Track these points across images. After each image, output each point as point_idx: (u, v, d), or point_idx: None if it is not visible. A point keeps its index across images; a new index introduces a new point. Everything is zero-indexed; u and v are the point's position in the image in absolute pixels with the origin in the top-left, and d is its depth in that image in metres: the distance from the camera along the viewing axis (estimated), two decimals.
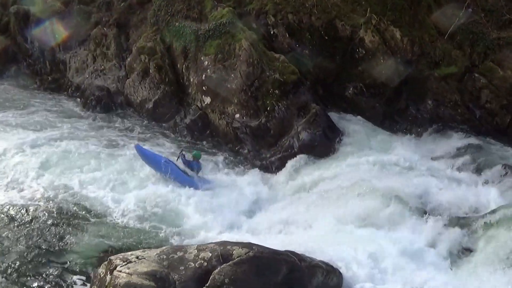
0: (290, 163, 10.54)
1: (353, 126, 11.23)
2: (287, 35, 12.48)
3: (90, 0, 16.99)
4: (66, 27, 17.12)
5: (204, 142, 12.12)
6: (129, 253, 6.29)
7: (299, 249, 6.92)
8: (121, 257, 6.12)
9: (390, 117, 11.86)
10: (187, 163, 10.15)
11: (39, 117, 14.11)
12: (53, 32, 17.54)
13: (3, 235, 8.18)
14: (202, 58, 12.55)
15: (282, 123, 11.13)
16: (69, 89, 16.66)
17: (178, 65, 13.44)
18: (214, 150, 11.79)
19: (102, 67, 15.66)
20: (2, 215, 8.76)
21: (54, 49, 17.62)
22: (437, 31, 11.65)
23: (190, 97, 13.02)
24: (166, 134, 12.93)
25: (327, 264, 6.79)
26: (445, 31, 11.43)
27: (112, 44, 15.43)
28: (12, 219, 8.67)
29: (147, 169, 10.39)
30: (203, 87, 12.43)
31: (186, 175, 10.06)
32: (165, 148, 11.93)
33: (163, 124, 13.39)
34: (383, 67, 11.70)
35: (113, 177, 10.11)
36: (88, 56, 16.23)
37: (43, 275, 7.20)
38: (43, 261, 7.53)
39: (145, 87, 13.94)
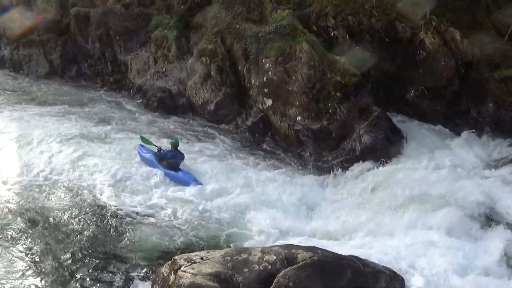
0: (352, 167, 11.78)
1: (415, 129, 12.49)
2: (347, 37, 14.09)
3: (150, 3, 19.94)
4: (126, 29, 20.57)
5: (265, 144, 13.96)
6: (193, 253, 7.07)
7: (361, 254, 7.63)
8: (185, 257, 6.85)
9: (451, 120, 12.98)
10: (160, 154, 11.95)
11: (101, 115, 16.87)
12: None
13: (66, 232, 9.48)
14: (263, 60, 14.21)
15: (343, 125, 12.50)
16: (131, 90, 19.31)
17: (239, 67, 15.34)
18: (275, 153, 13.53)
19: (163, 69, 18.01)
20: (65, 211, 10.24)
21: (115, 50, 20.56)
22: (496, 32, 12.62)
23: (251, 99, 14.83)
24: (227, 136, 14.87)
25: (390, 270, 7.37)
26: (504, 32, 12.33)
27: (173, 46, 17.71)
28: (74, 215, 10.10)
29: (210, 168, 12.27)
30: (264, 89, 14.12)
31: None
32: (226, 150, 13.77)
33: (225, 126, 15.45)
34: (444, 69, 12.86)
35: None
36: (149, 58, 18.70)
37: (105, 273, 8.28)
38: (105, 259, 8.68)
39: (206, 89, 16.07)
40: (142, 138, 13.34)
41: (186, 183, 11.41)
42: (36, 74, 23.92)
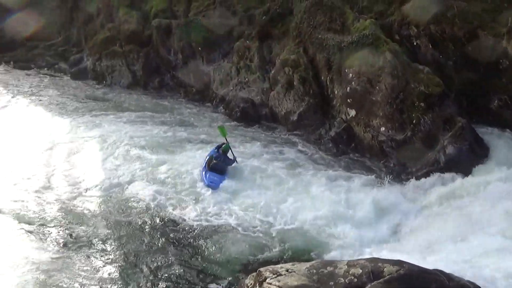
0: (436, 178, 12.62)
1: (499, 139, 13.27)
2: (430, 46, 15.17)
3: (231, 14, 22.47)
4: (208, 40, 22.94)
5: (348, 155, 15.24)
6: (279, 265, 7.55)
7: (446, 268, 7.92)
8: (270, 269, 7.31)
9: None
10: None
11: (182, 123, 19.18)
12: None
13: (146, 243, 10.70)
14: (346, 70, 15.58)
15: (427, 136, 13.59)
16: (213, 101, 21.54)
17: (322, 77, 16.84)
18: (358, 163, 14.76)
19: (246, 79, 20.07)
20: (141, 220, 11.54)
21: (197, 61, 22.91)
22: None
23: (334, 109, 16.25)
24: (310, 146, 16.35)
25: (475, 285, 7.54)
26: None
27: (255, 57, 19.67)
28: (152, 225, 11.41)
29: (293, 181, 13.63)
30: (348, 100, 15.52)
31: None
32: (308, 161, 15.22)
33: (308, 137, 16.93)
34: None
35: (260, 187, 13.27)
36: (232, 68, 20.82)
37: (188, 285, 9.27)
38: (187, 270, 9.68)
39: (289, 99, 17.79)
40: (220, 128, 15.41)
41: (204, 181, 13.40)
42: (119, 85, 26.96)
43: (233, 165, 14.34)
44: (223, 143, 14.70)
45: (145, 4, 27.26)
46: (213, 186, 13.26)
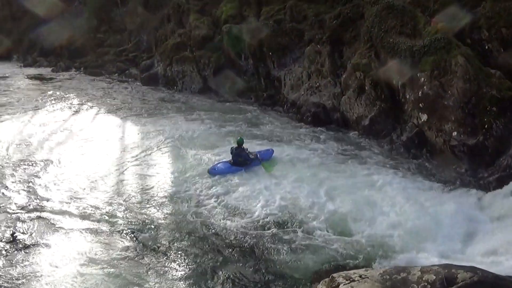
0: (509, 184, 13.01)
1: None
2: (502, 50, 15.99)
3: (302, 18, 23.96)
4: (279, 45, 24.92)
5: (420, 160, 16.21)
6: (352, 271, 7.79)
7: None
8: (343, 275, 7.59)
9: None
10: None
11: (252, 127, 20.90)
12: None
13: (215, 249, 11.18)
14: (418, 74, 16.64)
15: (499, 141, 14.37)
16: (285, 105, 23.20)
17: (394, 82, 17.94)
18: (430, 168, 15.71)
19: (317, 84, 21.57)
20: (209, 227, 12.14)
21: (268, 66, 24.73)
22: None
23: (406, 114, 17.32)
24: (381, 151, 17.50)
25: None
26: None
27: (326, 61, 21.16)
28: (222, 231, 12.01)
29: (366, 187, 14.31)
30: (420, 104, 16.50)
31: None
32: (380, 166, 16.14)
33: (379, 141, 18.14)
34: None
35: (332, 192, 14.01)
36: (303, 73, 22.40)
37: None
38: (257, 275, 10.23)
39: (361, 103, 19.12)
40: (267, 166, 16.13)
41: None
42: (190, 90, 29.45)
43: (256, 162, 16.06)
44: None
45: (215, 10, 29.42)
46: (213, 172, 15.49)
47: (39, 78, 40.77)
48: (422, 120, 16.90)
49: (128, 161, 17.46)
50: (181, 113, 23.99)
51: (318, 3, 23.55)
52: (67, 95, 31.17)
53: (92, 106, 27.24)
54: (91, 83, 36.38)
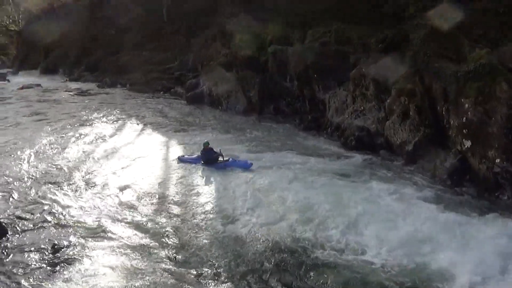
0: None
1: None
2: None
3: (346, 41, 24.94)
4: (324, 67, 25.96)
5: (463, 187, 16.63)
6: None
7: None
8: None
9: None
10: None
11: (294, 149, 21.73)
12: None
13: (260, 267, 11.79)
14: (462, 100, 17.12)
15: None
16: (329, 128, 23.99)
17: (438, 107, 18.53)
18: (472, 196, 16.16)
19: (362, 107, 22.29)
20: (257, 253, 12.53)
21: (313, 88, 25.57)
22: None
23: (450, 140, 17.85)
24: (424, 177, 17.97)
25: None
26: None
27: (371, 85, 21.94)
28: (266, 250, 12.55)
29: (406, 212, 14.84)
30: (464, 130, 17.00)
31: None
32: (422, 192, 16.56)
33: (422, 167, 18.62)
34: None
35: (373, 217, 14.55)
36: (348, 96, 23.20)
37: None
38: None
39: (405, 129, 19.67)
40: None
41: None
42: (235, 110, 30.79)
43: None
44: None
45: (261, 31, 30.65)
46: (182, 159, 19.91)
47: (84, 93, 43.46)
48: (466, 146, 17.36)
49: (174, 177, 18.89)
50: (227, 133, 25.48)
51: (363, 26, 24.31)
52: (113, 111, 33.29)
53: (139, 123, 29.09)
54: (137, 100, 38.44)
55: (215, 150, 19.34)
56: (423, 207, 15.38)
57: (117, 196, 16.86)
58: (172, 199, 16.77)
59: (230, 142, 23.35)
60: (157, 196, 16.92)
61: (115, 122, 29.69)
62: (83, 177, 18.89)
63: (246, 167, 18.68)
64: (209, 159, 19.11)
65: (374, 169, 19.33)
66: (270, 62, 28.88)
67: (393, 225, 14.16)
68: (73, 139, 24.93)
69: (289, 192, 16.60)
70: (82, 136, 25.55)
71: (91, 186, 17.82)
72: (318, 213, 14.94)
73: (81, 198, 16.72)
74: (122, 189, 17.49)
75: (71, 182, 18.20)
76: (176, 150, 22.47)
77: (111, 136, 25.65)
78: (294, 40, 28.31)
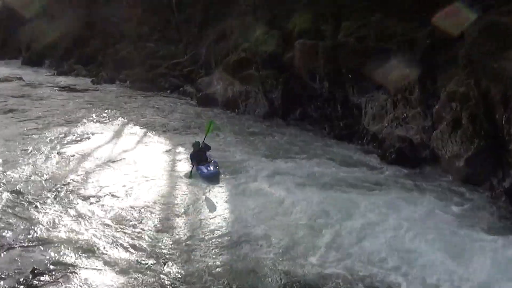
0: None
1: None
2: None
3: (388, 37, 23.92)
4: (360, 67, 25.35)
5: None
6: None
7: None
8: None
9: None
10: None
11: (331, 168, 20.97)
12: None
13: None
14: None
15: None
16: (364, 138, 23.65)
17: (497, 116, 18.00)
18: None
19: (404, 114, 21.89)
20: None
21: (347, 91, 24.99)
22: None
23: (510, 155, 17.37)
24: (480, 199, 17.57)
25: None
26: None
27: (416, 88, 21.50)
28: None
29: (461, 240, 14.73)
30: None
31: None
32: (479, 218, 16.23)
33: (476, 187, 18.23)
34: None
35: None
36: (388, 101, 22.84)
37: None
38: None
39: (455, 140, 19.16)
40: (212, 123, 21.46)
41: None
42: (254, 114, 30.46)
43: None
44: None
45: (286, 23, 30.49)
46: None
47: (75, 89, 43.56)
48: None
49: (177, 191, 18.93)
50: (243, 141, 25.35)
51: (408, 20, 23.85)
52: (109, 112, 33.08)
53: (140, 127, 29.04)
54: (138, 99, 38.36)
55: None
56: (485, 240, 14.95)
57: (109, 211, 16.95)
58: (173, 214, 16.84)
59: (249, 152, 23.25)
60: (157, 212, 16.98)
61: (109, 124, 29.62)
62: (67, 188, 18.90)
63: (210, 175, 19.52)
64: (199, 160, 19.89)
65: (419, 188, 19.00)
66: (296, 59, 28.60)
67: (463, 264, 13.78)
68: (56, 142, 24.94)
69: (321, 216, 16.54)
70: (68, 140, 25.39)
71: (78, 199, 17.89)
72: (357, 241, 14.84)
73: (66, 212, 16.76)
74: (113, 204, 17.56)
75: (49, 195, 18.14)
76: (182, 160, 22.27)
77: (104, 141, 25.56)
78: (325, 34, 27.88)
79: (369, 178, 20.11)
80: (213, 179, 19.00)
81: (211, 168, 19.50)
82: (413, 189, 19.02)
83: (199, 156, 19.94)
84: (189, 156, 20.52)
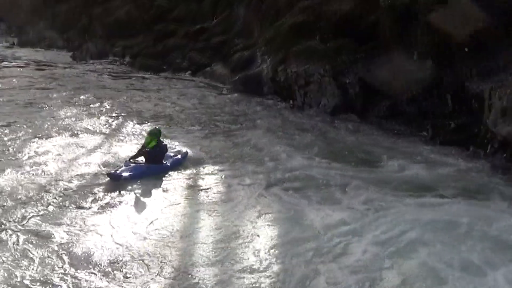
0: None
1: None
2: None
3: None
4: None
5: None
6: None
7: None
8: None
9: None
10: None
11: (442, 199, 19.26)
12: None
13: None
14: None
15: None
16: (488, 144, 22.76)
17: None
18: None
19: None
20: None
21: (461, 73, 24.33)
22: None
23: None
24: None
25: None
26: None
27: None
28: None
29: None
30: None
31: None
32: None
33: None
34: None
35: None
36: None
37: None
38: None
39: None
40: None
41: None
42: (317, 107, 30.02)
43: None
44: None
45: None
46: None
47: (47, 68, 43.16)
48: None
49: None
50: (302, 148, 24.56)
51: None
52: (100, 104, 32.59)
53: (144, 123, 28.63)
54: (143, 85, 38.09)
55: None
56: None
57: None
58: (181, 235, 16.85)
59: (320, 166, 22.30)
60: (159, 231, 17.03)
61: (100, 121, 29.32)
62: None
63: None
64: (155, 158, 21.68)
65: None
66: (383, 25, 28.28)
67: None
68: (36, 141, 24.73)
69: None
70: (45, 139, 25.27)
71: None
72: None
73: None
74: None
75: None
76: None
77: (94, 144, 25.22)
78: None
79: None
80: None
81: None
82: None
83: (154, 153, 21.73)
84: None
